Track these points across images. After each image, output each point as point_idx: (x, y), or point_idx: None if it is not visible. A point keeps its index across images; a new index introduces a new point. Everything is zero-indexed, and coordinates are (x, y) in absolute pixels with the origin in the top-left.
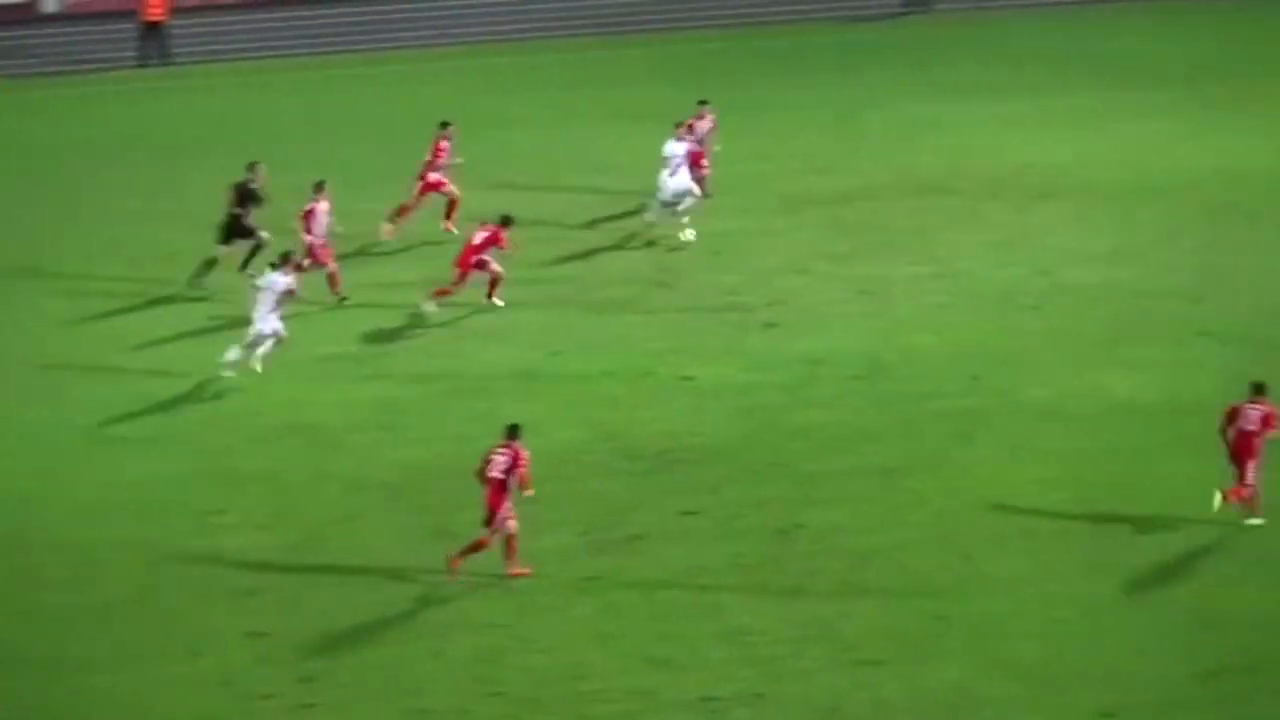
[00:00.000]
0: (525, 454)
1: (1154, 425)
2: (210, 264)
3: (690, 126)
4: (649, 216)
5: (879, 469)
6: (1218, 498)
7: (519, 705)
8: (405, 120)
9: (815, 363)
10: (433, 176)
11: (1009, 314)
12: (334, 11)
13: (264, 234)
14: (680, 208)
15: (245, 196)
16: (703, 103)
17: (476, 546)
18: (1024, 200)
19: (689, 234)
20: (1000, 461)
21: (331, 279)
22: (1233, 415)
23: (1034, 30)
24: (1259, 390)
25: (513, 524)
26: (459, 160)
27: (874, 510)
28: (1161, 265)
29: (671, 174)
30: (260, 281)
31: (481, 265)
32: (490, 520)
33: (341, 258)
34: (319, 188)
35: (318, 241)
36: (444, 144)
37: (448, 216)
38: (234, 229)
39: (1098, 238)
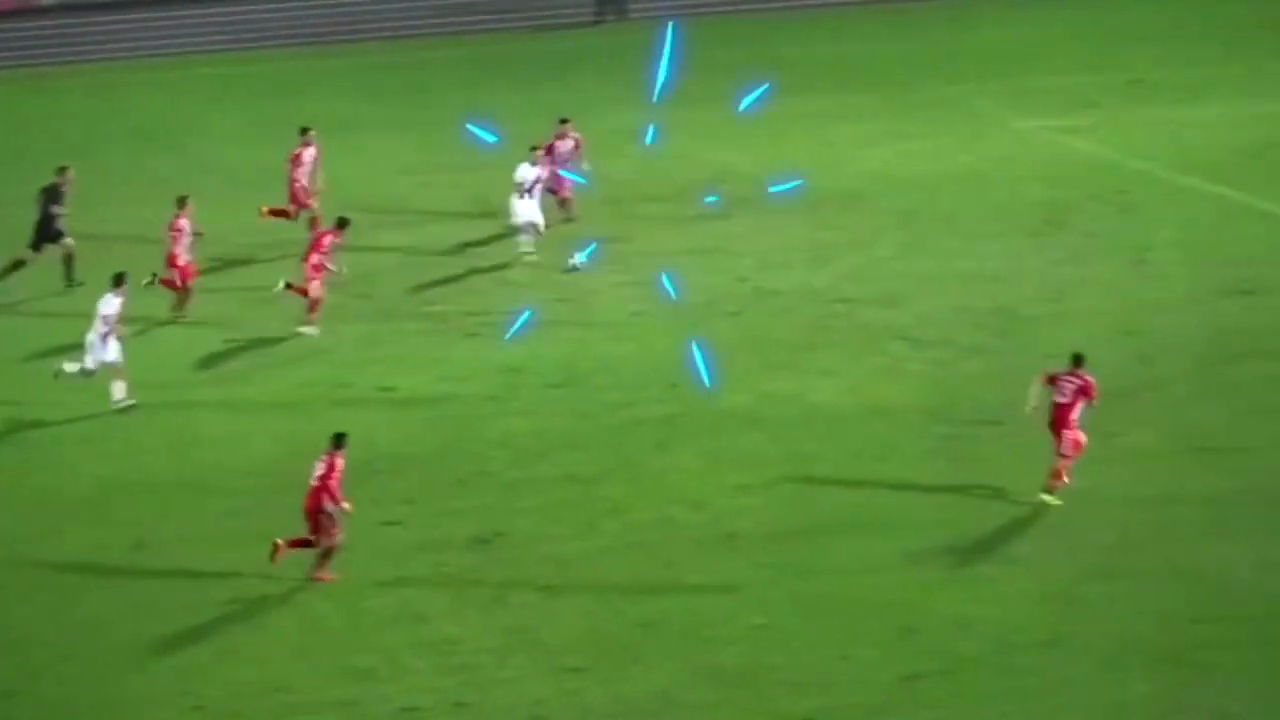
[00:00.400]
0: (340, 464)
1: (852, 430)
2: (15, 266)
3: (550, 149)
4: (524, 242)
5: (579, 477)
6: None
7: (220, 719)
8: (104, 133)
9: (514, 371)
10: (298, 185)
11: (707, 321)
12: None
13: (70, 240)
14: (523, 237)
15: (54, 199)
16: (564, 121)
17: (308, 544)
18: (722, 207)
19: (529, 256)
20: (699, 468)
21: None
22: (1050, 381)
23: (729, 37)
24: (1077, 362)
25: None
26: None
27: (575, 518)
28: (858, 270)
29: (522, 198)
30: (100, 306)
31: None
32: (314, 526)
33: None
34: (182, 203)
35: (183, 256)
36: (303, 151)
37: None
38: (44, 232)
39: (795, 244)
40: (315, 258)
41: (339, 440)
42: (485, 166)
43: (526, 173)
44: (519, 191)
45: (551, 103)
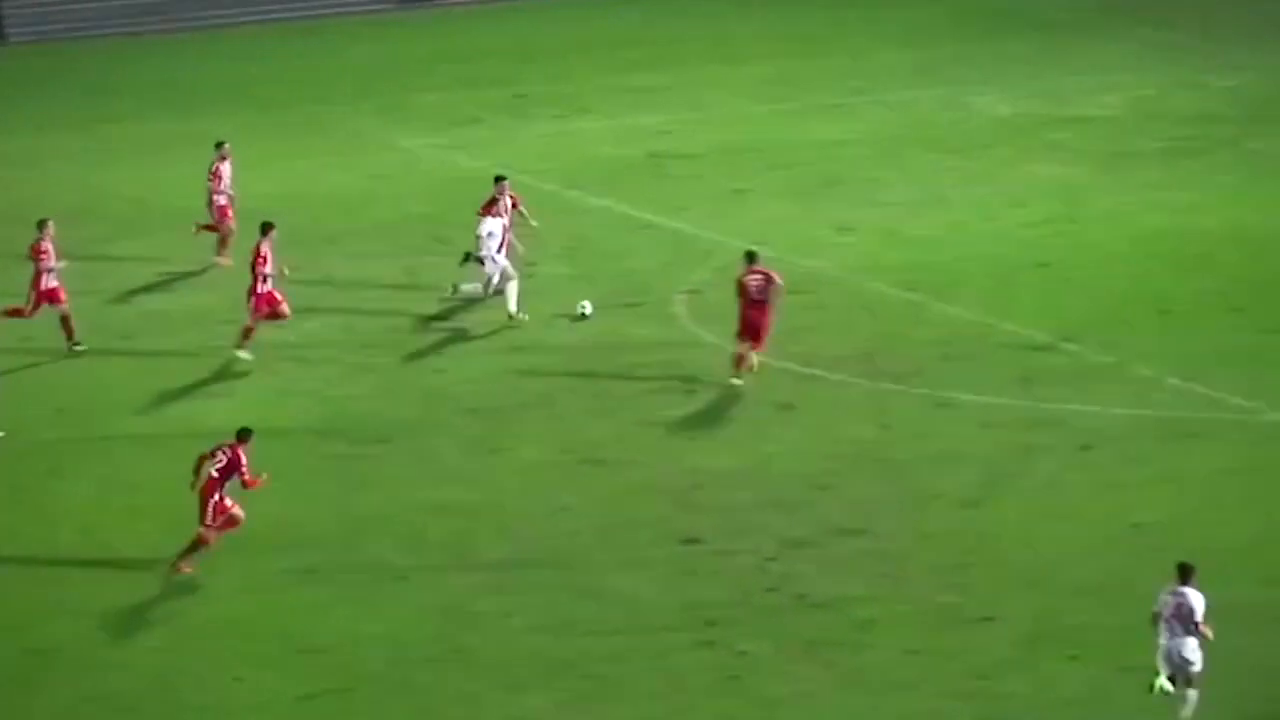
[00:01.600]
0: (244, 457)
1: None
2: None
3: (509, 201)
4: (510, 299)
5: None
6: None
7: None
8: None
9: None
10: (219, 201)
11: (100, 345)
12: None
13: None
14: (498, 287)
15: None
16: (500, 179)
17: (199, 543)
18: (110, 230)
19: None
20: (91, 493)
21: (65, 321)
22: (740, 289)
23: (111, 58)
24: (751, 259)
25: (239, 512)
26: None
27: None
28: (247, 293)
29: (498, 251)
30: None
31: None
32: (202, 515)
33: None
34: (42, 225)
35: (52, 279)
36: (220, 165)
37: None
38: None
39: (180, 266)
40: (262, 280)
41: (242, 434)
42: None
43: (493, 225)
44: (485, 248)
45: None
